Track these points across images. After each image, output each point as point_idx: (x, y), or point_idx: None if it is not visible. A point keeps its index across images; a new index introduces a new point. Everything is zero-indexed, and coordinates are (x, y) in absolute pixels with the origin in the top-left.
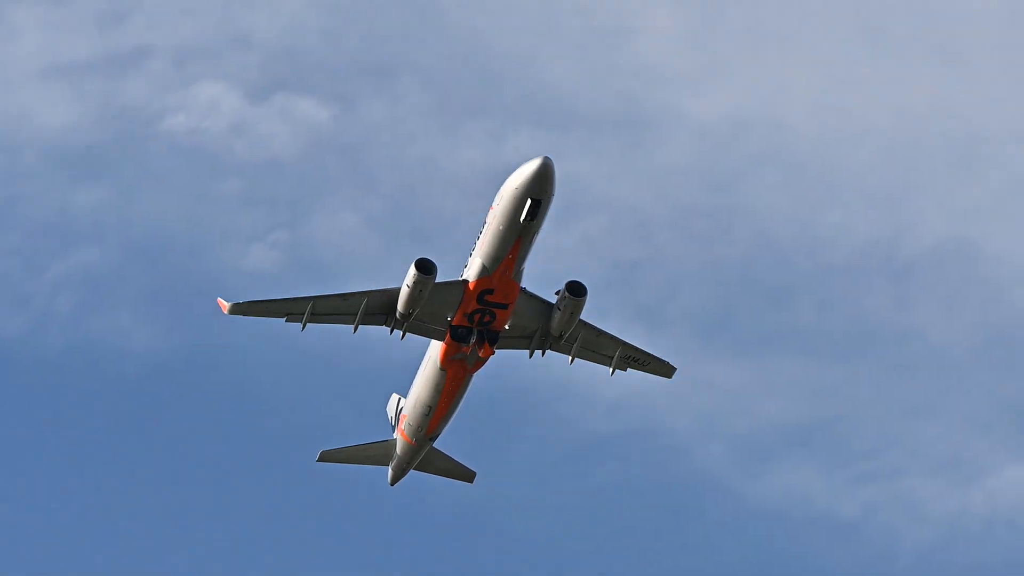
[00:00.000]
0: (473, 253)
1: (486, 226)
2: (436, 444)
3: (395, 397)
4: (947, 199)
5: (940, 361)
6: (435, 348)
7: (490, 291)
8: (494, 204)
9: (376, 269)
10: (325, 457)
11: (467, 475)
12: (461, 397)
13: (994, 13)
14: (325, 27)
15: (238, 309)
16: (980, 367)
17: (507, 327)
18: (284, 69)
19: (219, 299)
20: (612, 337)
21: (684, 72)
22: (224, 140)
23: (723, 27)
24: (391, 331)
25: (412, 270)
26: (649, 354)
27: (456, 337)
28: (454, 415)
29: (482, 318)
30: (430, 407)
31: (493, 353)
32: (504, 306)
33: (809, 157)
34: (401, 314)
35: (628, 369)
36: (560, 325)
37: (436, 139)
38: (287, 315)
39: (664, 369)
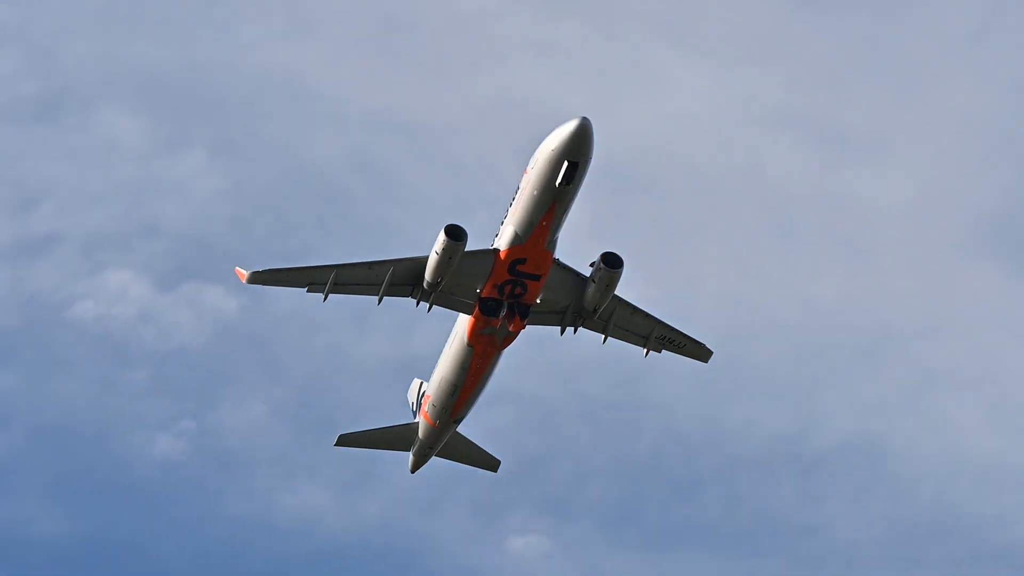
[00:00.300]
0: (505, 221)
1: (519, 192)
2: (460, 429)
3: (417, 382)
4: (854, 394)
5: (847, 557)
6: (462, 323)
7: (522, 260)
8: (528, 168)
9: (285, 459)
10: (344, 441)
11: (491, 463)
12: (488, 376)
13: (900, 209)
14: (234, 215)
15: (257, 278)
16: (887, 563)
17: (539, 300)
18: (193, 258)
19: (237, 268)
20: (647, 316)
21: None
22: (132, 328)
23: (632, 220)
24: (417, 303)
25: (441, 236)
26: (686, 336)
27: (485, 310)
28: (480, 396)
29: (513, 290)
30: (455, 386)
31: (524, 327)
32: (536, 277)
33: (717, 350)
34: (429, 284)
35: (663, 351)
36: (594, 299)
37: (345, 329)
38: (309, 285)
39: (700, 352)
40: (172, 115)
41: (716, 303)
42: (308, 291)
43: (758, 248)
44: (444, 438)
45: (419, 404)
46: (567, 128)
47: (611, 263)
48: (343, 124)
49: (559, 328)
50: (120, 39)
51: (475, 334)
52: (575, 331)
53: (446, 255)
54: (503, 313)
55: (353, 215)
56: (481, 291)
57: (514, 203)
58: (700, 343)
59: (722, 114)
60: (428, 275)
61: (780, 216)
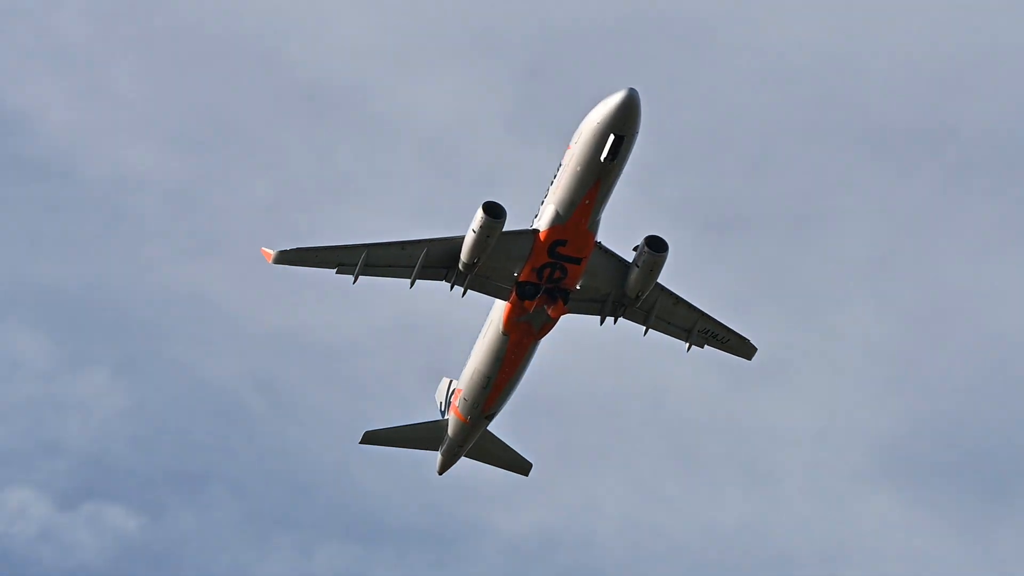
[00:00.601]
0: (545, 200)
1: (561, 168)
2: (491, 428)
3: (446, 380)
4: None
5: None
6: (497, 311)
7: (563, 242)
8: (571, 143)
9: None
10: (369, 439)
11: (522, 466)
12: (524, 369)
13: (802, 435)
14: (136, 434)
15: (284, 257)
16: None
17: (579, 286)
18: (94, 477)
19: (263, 248)
20: (691, 307)
21: (494, 487)
22: (31, 547)
23: (535, 443)
24: (451, 287)
25: (479, 213)
26: (730, 330)
27: (522, 295)
28: (514, 391)
29: (552, 273)
30: (489, 378)
31: (565, 311)
32: (577, 260)
33: (618, 574)
34: (464, 264)
35: (705, 346)
36: (637, 284)
37: (245, 550)
38: (338, 266)
39: (744, 349)
40: (75, 333)
41: (617, 526)
42: (337, 272)
43: (660, 472)
44: (475, 436)
45: (448, 402)
46: (614, 99)
47: (655, 246)
48: (245, 343)
49: (598, 318)
50: (22, 256)
51: (511, 321)
52: (615, 321)
53: (484, 233)
54: (541, 296)
55: (256, 435)
56: (519, 275)
57: (555, 180)
58: (744, 338)
59: (626, 338)
60: (464, 255)
61: (682, 440)
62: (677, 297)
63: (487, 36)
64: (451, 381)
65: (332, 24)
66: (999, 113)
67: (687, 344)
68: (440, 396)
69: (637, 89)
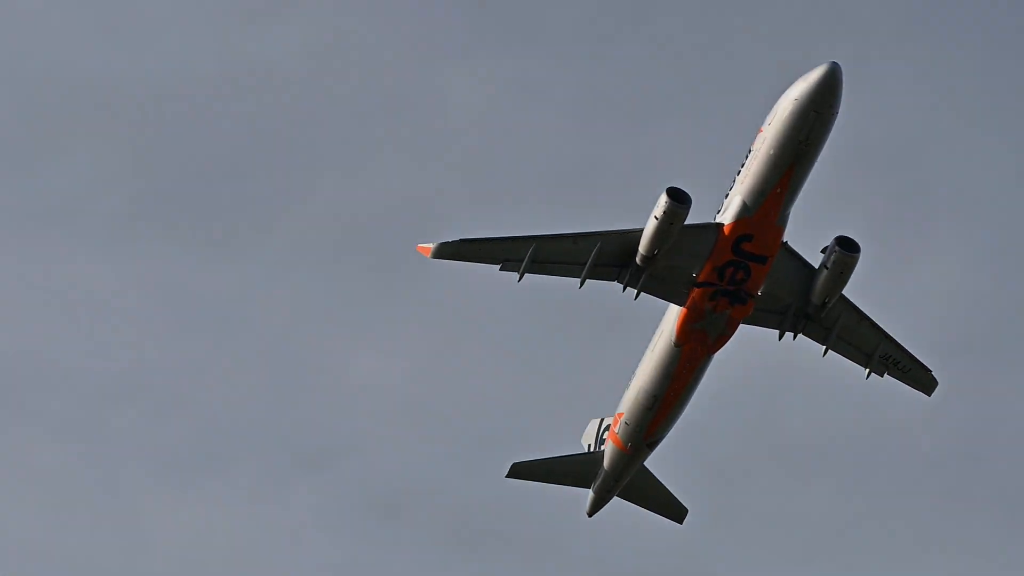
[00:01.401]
0: (730, 192)
1: (751, 155)
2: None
3: (595, 421)
4: None
5: None
6: (669, 322)
7: (748, 237)
8: (763, 126)
9: None
10: (516, 472)
11: (677, 512)
12: (693, 388)
13: None
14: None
15: (444, 251)
16: None
17: (760, 292)
18: None
19: (418, 245)
20: (875, 327)
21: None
22: None
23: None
24: (624, 288)
25: (663, 198)
26: (913, 358)
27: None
28: (680, 415)
29: (735, 274)
30: (655, 397)
31: (748, 313)
32: (763, 259)
33: None
34: (643, 257)
35: (885, 374)
36: (824, 289)
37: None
38: (503, 261)
39: (925, 382)
40: None
41: None
42: (501, 269)
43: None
44: (633, 468)
45: (601, 439)
46: (815, 74)
47: (848, 247)
48: None
49: (776, 333)
50: None
51: (685, 329)
52: (794, 336)
53: (667, 220)
54: (722, 298)
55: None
56: (697, 275)
57: (743, 169)
58: (927, 369)
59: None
60: (643, 246)
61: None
62: (862, 314)
63: None
64: (601, 421)
65: None
66: None
67: (866, 370)
68: (588, 439)
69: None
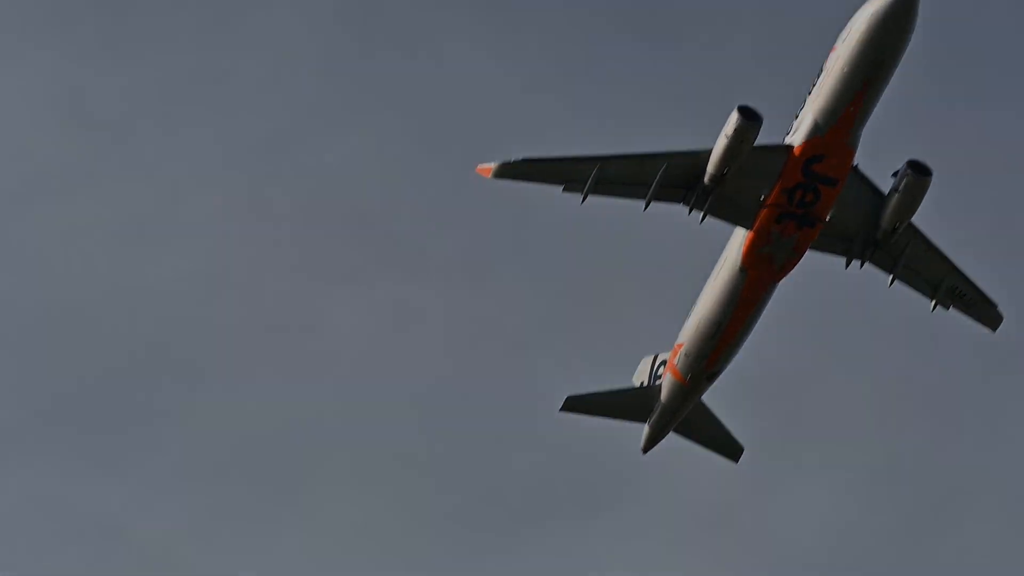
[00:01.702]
0: (801, 112)
1: (823, 74)
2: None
3: (648, 358)
4: None
5: None
6: (734, 248)
7: (819, 158)
8: (836, 44)
9: None
10: (571, 405)
11: (733, 450)
12: (757, 316)
13: None
14: None
15: (506, 171)
16: None
17: (829, 218)
18: None
19: (479, 166)
20: (943, 257)
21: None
22: None
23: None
24: (689, 211)
25: (734, 115)
26: (979, 291)
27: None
28: (742, 345)
29: (804, 196)
30: (719, 324)
31: (815, 236)
32: (833, 182)
33: None
34: (711, 176)
35: (951, 307)
36: (895, 214)
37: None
38: (567, 182)
39: (990, 317)
40: None
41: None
42: (564, 190)
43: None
44: (692, 401)
45: (655, 375)
46: None
47: (919, 171)
48: None
49: (843, 261)
50: None
51: (752, 254)
52: (861, 265)
53: (737, 138)
54: (791, 221)
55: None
56: (766, 197)
57: (815, 88)
58: (993, 303)
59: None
60: (712, 165)
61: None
62: (930, 243)
63: None
64: (656, 356)
65: None
66: None
67: (932, 302)
68: (642, 376)
69: None
